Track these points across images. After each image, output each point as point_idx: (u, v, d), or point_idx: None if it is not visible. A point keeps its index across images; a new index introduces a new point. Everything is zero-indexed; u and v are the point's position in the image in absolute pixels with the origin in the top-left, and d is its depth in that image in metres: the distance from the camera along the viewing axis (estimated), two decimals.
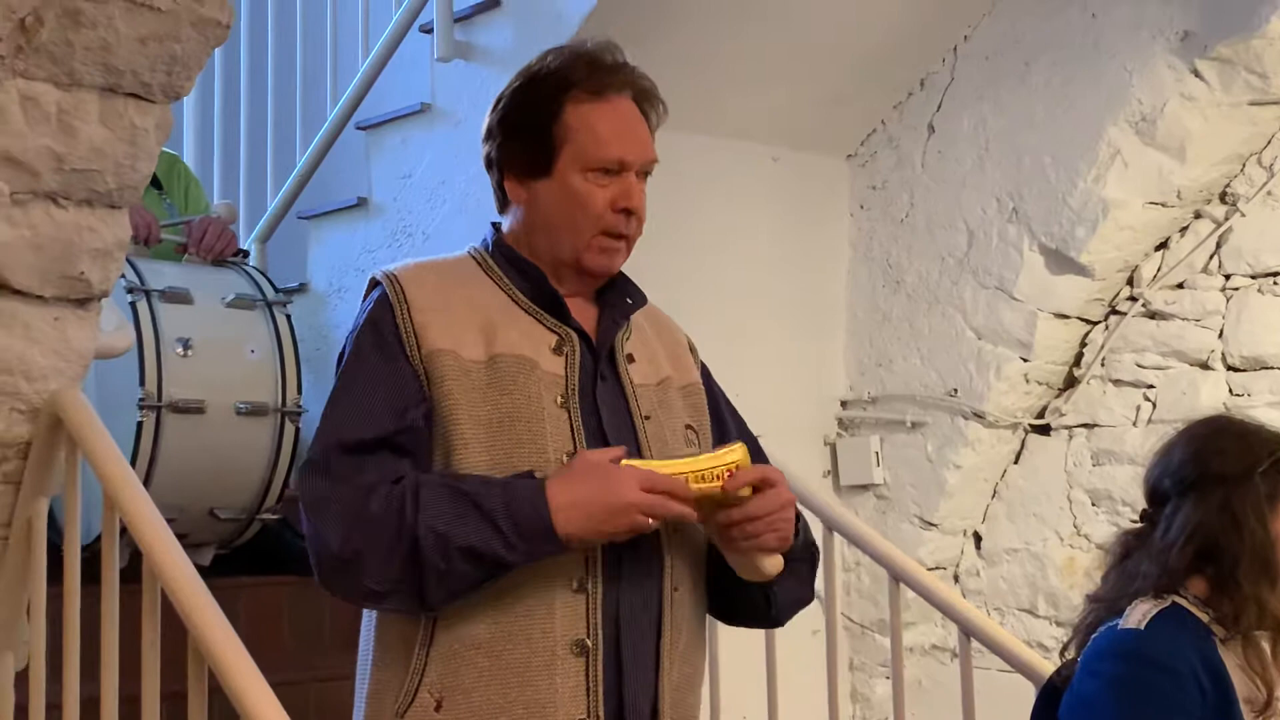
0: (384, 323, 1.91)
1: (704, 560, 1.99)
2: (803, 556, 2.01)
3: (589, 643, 1.84)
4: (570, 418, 1.89)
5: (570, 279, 1.97)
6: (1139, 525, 2.14)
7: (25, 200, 2.23)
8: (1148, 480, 2.14)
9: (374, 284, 1.97)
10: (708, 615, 2.04)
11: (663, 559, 1.90)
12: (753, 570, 1.91)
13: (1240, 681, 2.01)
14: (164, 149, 3.42)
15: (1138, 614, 2.01)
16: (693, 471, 1.83)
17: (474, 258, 2.01)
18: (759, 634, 3.01)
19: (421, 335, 1.89)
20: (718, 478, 1.83)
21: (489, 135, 2.00)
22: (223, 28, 2.25)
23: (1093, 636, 2.06)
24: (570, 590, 1.84)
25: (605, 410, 1.92)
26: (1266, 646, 2.04)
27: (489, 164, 2.01)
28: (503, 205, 2.02)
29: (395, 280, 1.94)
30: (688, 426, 2.00)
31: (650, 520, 1.81)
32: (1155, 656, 1.97)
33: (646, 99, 1.99)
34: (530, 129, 1.95)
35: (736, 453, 1.87)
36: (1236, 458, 2.05)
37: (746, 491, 1.85)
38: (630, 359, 1.98)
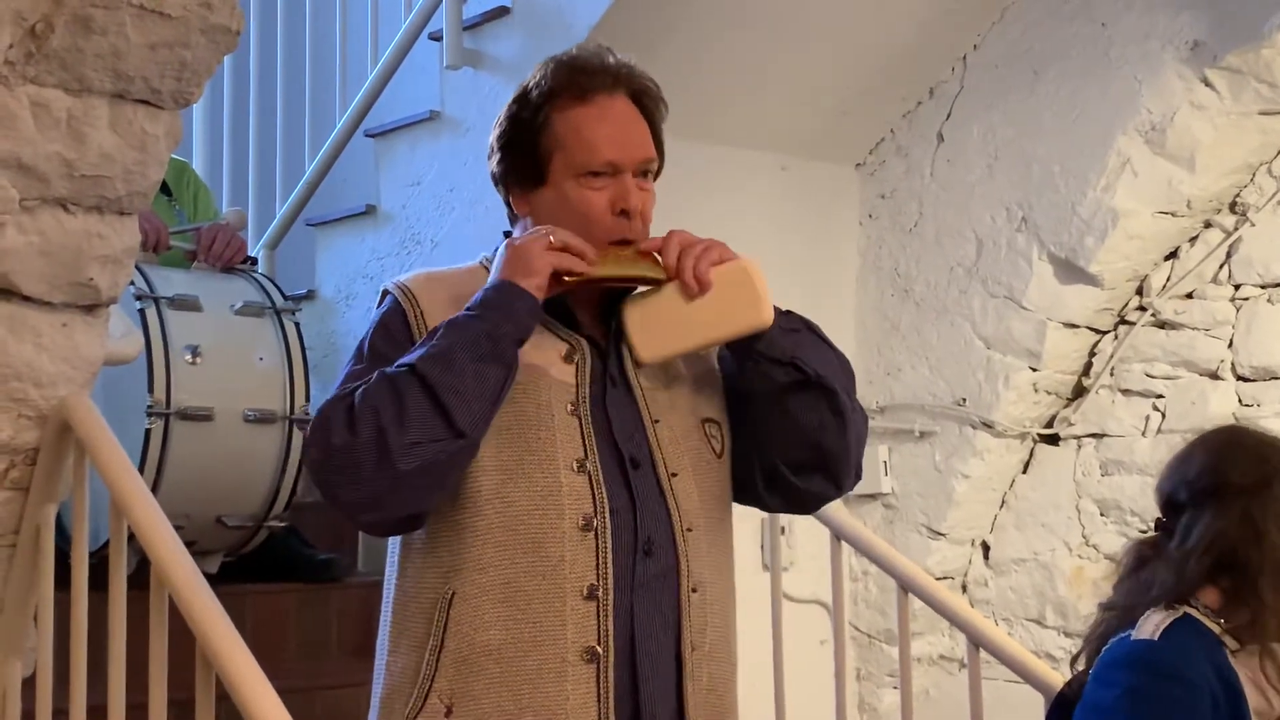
0: (396, 327, 1.93)
1: (724, 558, 1.98)
2: (794, 326, 1.96)
3: (599, 650, 1.83)
4: (580, 425, 1.89)
5: (578, 285, 1.96)
6: (1153, 534, 2.13)
7: (35, 206, 2.24)
8: (1162, 489, 2.13)
9: (385, 294, 1.99)
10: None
11: (678, 562, 1.90)
12: (734, 304, 1.90)
13: (1250, 693, 2.00)
14: (173, 156, 3.43)
15: (1150, 625, 2.01)
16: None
17: (485, 267, 2.01)
18: (766, 644, 3.00)
19: None
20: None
21: (490, 152, 2.02)
22: (232, 35, 2.26)
23: (1105, 647, 2.05)
24: (581, 597, 1.84)
25: (615, 416, 1.92)
26: None
27: (494, 180, 2.03)
28: (513, 218, 2.03)
29: (407, 290, 1.96)
30: (707, 420, 1.99)
31: (569, 264, 1.86)
32: (1170, 667, 1.96)
33: (645, 96, 1.98)
34: (522, 142, 1.96)
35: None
36: (1254, 468, 2.05)
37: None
38: (639, 363, 1.97)
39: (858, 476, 2.04)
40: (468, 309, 1.85)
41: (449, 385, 1.78)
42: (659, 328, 1.91)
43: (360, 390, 1.81)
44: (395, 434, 1.77)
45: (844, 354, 2.02)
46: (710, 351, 2.05)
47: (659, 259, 1.92)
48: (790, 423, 1.94)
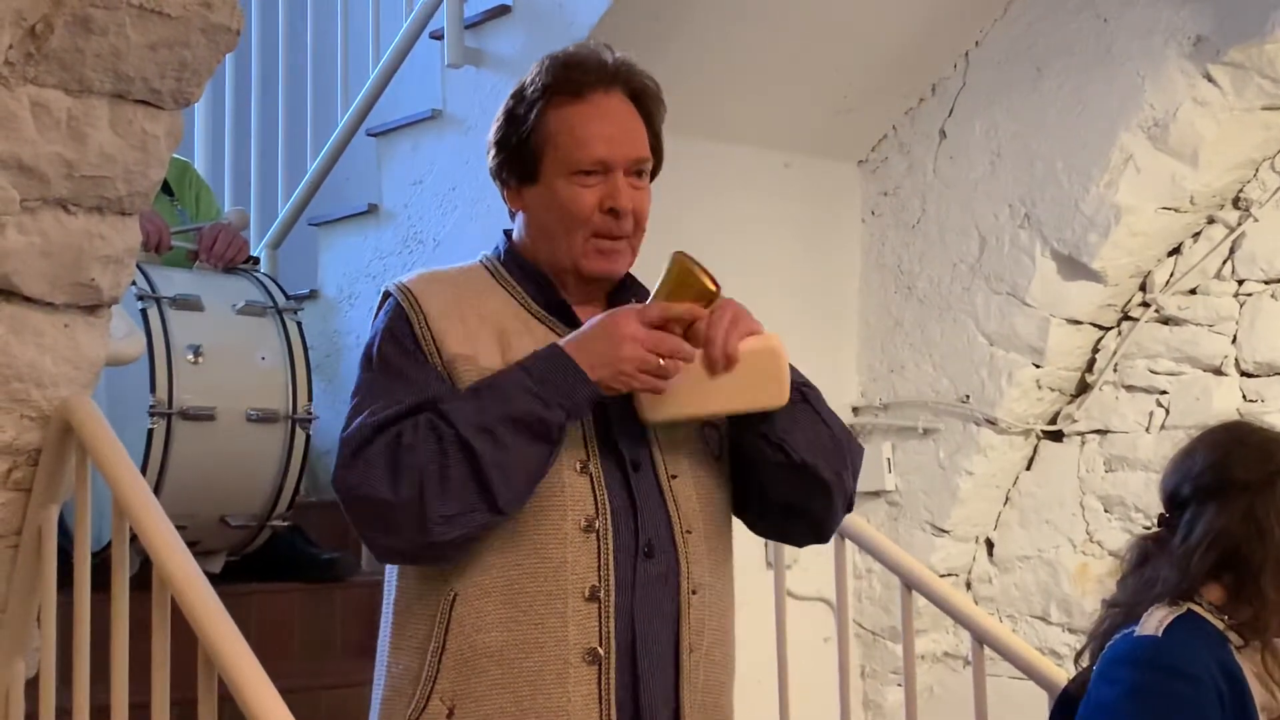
0: (401, 332, 1.91)
1: (723, 560, 1.98)
2: (792, 399, 1.93)
3: (601, 651, 1.83)
4: (582, 426, 1.88)
5: (577, 285, 1.96)
6: (1157, 531, 2.12)
7: (36, 207, 2.24)
8: (1165, 486, 2.12)
9: (386, 296, 1.97)
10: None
11: (678, 564, 1.89)
12: (755, 382, 1.87)
13: (1256, 689, 2.00)
14: (175, 155, 3.42)
15: (1154, 621, 2.00)
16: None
17: (486, 266, 2.01)
18: (771, 641, 3.00)
19: (440, 342, 1.89)
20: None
21: (488, 149, 2.01)
22: (232, 34, 2.25)
23: (1109, 643, 2.05)
24: (583, 599, 1.83)
25: (615, 416, 1.91)
26: None
27: (492, 176, 2.02)
28: (514, 215, 2.03)
29: (408, 292, 1.95)
30: (705, 424, 1.98)
31: (661, 360, 1.80)
32: (1174, 664, 1.96)
33: (643, 95, 1.97)
34: (516, 139, 1.95)
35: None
36: (1258, 464, 2.04)
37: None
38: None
39: (848, 510, 2.05)
40: (527, 370, 1.81)
41: (496, 462, 1.77)
42: (671, 390, 1.86)
43: (405, 442, 1.79)
44: (435, 503, 1.76)
45: (839, 422, 2.01)
46: None
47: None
48: (779, 489, 1.96)
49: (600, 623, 1.83)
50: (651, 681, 1.86)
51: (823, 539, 2.06)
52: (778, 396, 1.89)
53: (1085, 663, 2.12)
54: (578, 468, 1.86)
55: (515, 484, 1.79)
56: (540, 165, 1.94)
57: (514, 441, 1.78)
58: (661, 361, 1.81)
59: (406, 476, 1.77)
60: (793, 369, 1.94)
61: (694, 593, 1.90)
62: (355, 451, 1.82)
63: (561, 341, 1.85)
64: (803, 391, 1.97)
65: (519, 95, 1.97)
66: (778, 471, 1.93)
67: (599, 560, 1.84)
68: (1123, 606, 2.08)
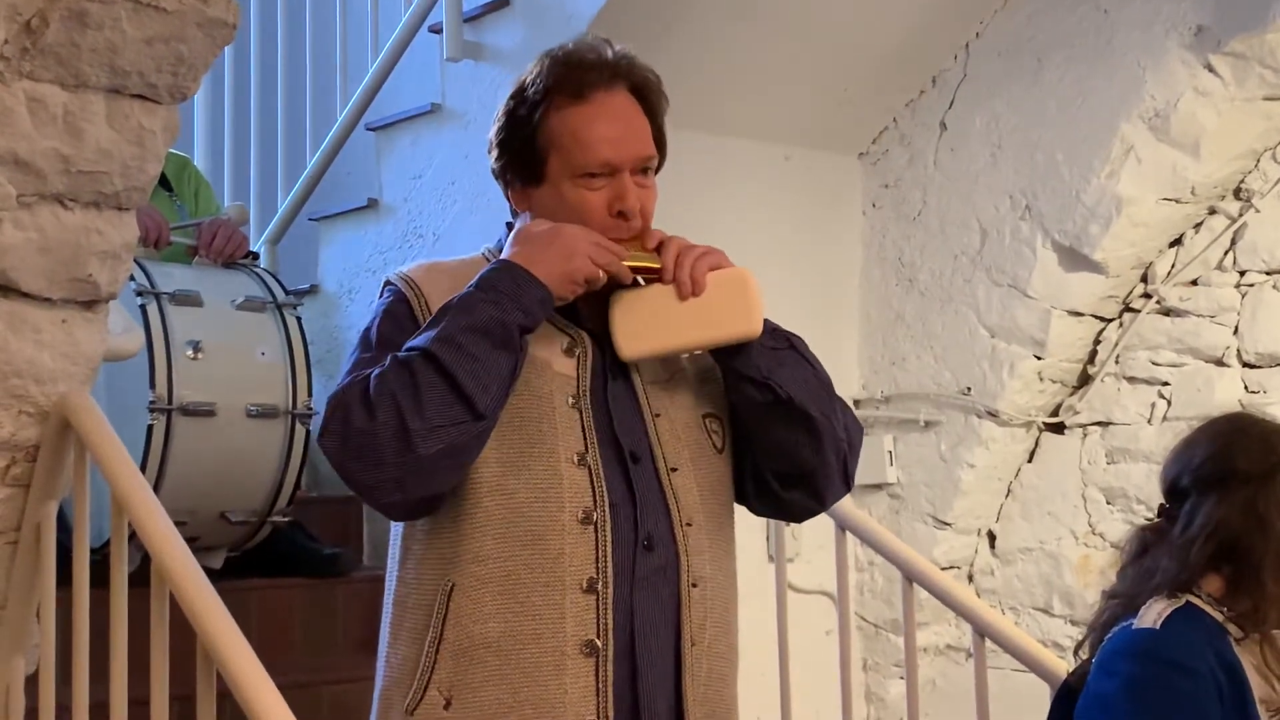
0: (400, 313, 1.92)
1: (725, 553, 1.97)
2: (778, 344, 1.95)
3: (598, 643, 1.83)
4: (581, 417, 1.88)
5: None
6: (1156, 521, 2.12)
7: (32, 202, 2.23)
8: (1166, 476, 2.12)
9: (387, 284, 1.98)
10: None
11: (678, 557, 1.89)
12: (725, 310, 1.89)
13: (1255, 681, 1.99)
14: (175, 151, 3.43)
15: (1153, 613, 2.00)
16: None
17: (487, 259, 2.00)
18: (772, 635, 3.00)
19: None
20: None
21: (489, 148, 2.00)
22: (229, 28, 2.25)
23: (1108, 635, 2.04)
24: (580, 591, 1.83)
25: (616, 409, 1.91)
26: None
27: (494, 176, 2.01)
28: (515, 212, 2.02)
29: (409, 279, 1.96)
30: (708, 415, 1.98)
31: (601, 273, 1.85)
32: (1172, 656, 1.95)
33: (646, 89, 1.96)
34: (519, 142, 1.94)
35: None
36: (1260, 456, 2.03)
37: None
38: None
39: (846, 487, 2.03)
40: (478, 286, 1.84)
41: (465, 368, 1.77)
42: (646, 324, 1.90)
43: (375, 374, 1.80)
44: (415, 418, 1.76)
45: (825, 372, 2.00)
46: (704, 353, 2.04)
47: (657, 254, 1.92)
48: (769, 438, 1.95)
49: (598, 615, 1.83)
50: (650, 674, 1.85)
51: (822, 503, 2.03)
52: (748, 324, 1.89)
53: (1085, 655, 2.11)
54: (575, 459, 1.86)
55: (490, 387, 1.79)
56: (545, 168, 1.93)
57: (478, 348, 1.78)
58: (601, 274, 1.86)
59: (381, 403, 1.77)
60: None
61: (694, 586, 1.90)
62: (333, 403, 1.82)
63: (509, 255, 1.86)
64: (789, 339, 1.98)
65: (520, 96, 1.95)
66: (767, 417, 1.93)
67: (597, 552, 1.84)
68: (1122, 598, 2.07)
